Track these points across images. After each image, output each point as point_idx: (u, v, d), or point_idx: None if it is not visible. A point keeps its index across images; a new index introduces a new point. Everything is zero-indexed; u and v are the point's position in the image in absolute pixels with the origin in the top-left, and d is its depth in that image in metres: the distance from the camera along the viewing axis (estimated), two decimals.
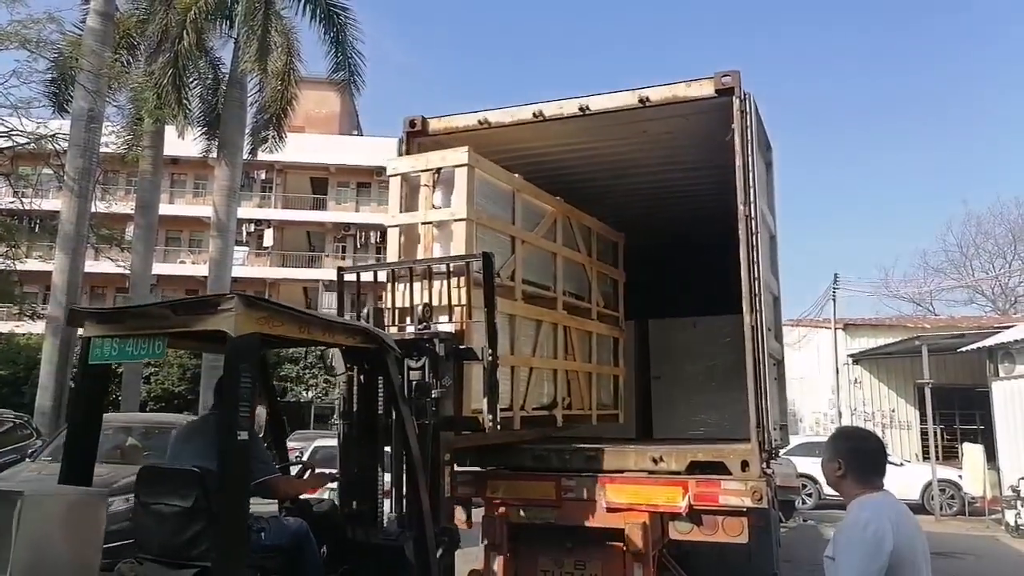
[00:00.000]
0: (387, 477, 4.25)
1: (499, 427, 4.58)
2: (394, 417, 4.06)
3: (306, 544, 3.72)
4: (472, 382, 4.60)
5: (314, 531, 3.79)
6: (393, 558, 3.83)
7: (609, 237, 7.43)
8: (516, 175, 5.63)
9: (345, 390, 4.44)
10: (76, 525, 2.83)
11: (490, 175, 5.25)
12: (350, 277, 5.10)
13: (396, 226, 5.13)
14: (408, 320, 4.77)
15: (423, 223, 4.99)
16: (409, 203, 5.11)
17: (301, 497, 4.17)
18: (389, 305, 4.93)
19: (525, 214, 5.71)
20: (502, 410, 4.73)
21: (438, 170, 4.99)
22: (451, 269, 4.70)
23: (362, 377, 4.34)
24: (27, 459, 8.81)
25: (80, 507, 2.90)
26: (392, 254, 5.12)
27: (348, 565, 3.92)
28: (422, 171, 5.04)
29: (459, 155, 4.94)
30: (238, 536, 3.00)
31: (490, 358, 4.42)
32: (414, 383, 4.23)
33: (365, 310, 4.83)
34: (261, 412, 4.26)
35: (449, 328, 4.56)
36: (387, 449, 4.24)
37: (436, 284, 4.73)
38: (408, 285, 4.76)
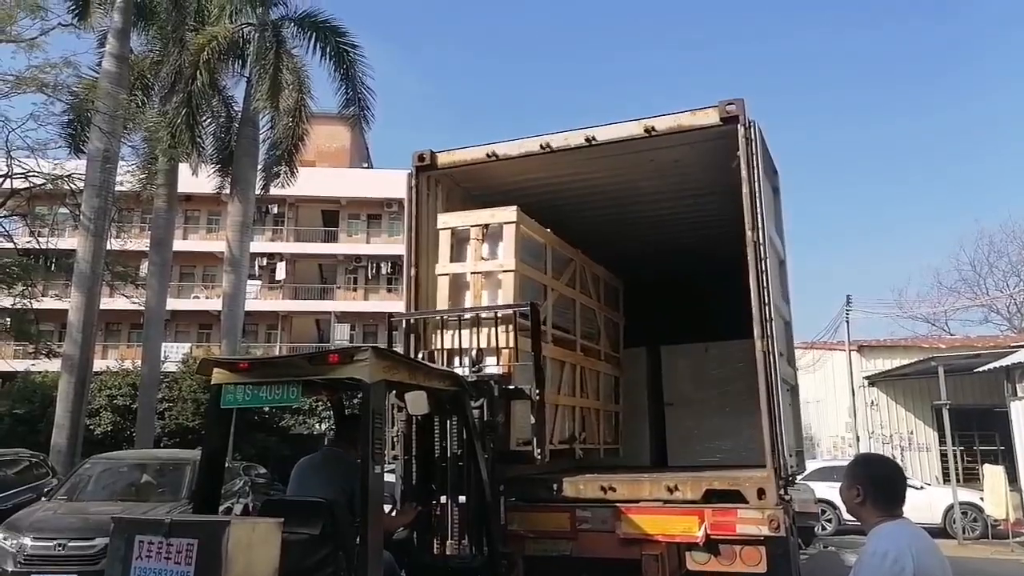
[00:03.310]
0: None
1: (547, 459, 4.93)
2: (466, 450, 4.43)
3: (393, 573, 4.07)
4: (517, 418, 4.91)
5: (394, 555, 4.11)
6: None
7: (613, 284, 7.88)
8: (547, 229, 6.06)
9: (405, 428, 4.78)
10: (263, 549, 3.11)
11: (529, 229, 5.70)
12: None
13: (445, 275, 5.51)
14: (456, 361, 5.13)
15: (472, 272, 5.41)
16: (457, 254, 5.52)
17: None
18: (438, 347, 5.28)
19: (554, 264, 6.16)
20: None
21: (486, 226, 5.45)
22: (498, 316, 5.06)
23: (419, 416, 4.58)
24: (43, 498, 8.83)
25: (265, 533, 3.18)
26: (441, 300, 5.47)
27: None
28: (472, 226, 5.51)
29: (508, 213, 5.48)
30: (377, 555, 3.25)
31: (537, 397, 4.82)
32: (477, 420, 4.50)
33: (421, 354, 5.25)
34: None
35: (497, 370, 4.94)
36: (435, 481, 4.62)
37: (484, 329, 5.10)
38: (457, 330, 5.14)
